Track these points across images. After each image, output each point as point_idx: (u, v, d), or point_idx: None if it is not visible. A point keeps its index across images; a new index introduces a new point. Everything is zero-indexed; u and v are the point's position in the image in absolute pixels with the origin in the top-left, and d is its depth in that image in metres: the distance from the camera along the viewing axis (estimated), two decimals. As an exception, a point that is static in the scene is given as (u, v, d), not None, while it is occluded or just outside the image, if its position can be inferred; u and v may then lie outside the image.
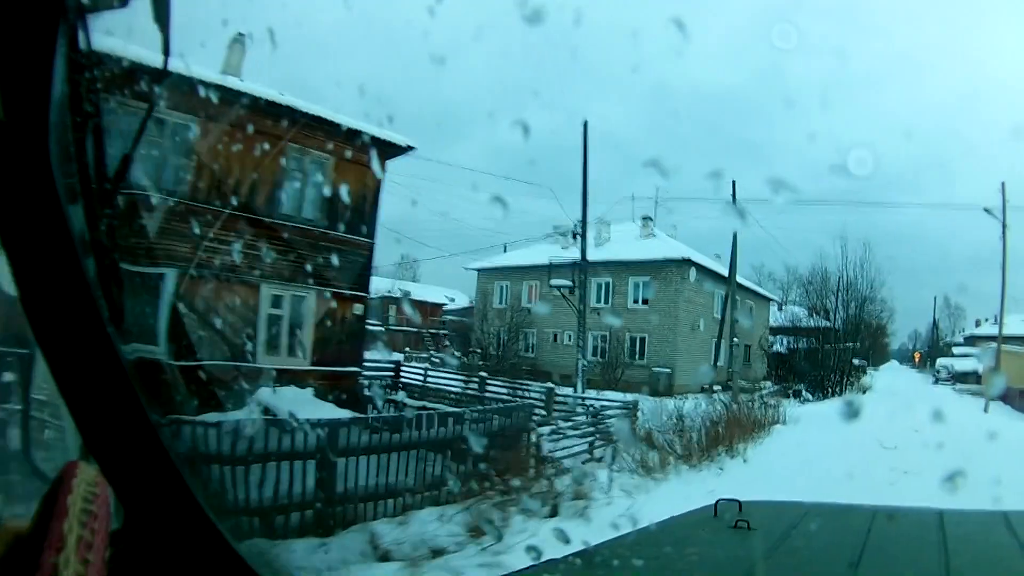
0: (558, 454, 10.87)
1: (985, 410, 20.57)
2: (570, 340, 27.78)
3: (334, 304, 13.65)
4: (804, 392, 26.98)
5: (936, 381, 42.93)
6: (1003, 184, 25.84)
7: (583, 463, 11.55)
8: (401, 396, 13.64)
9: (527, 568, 1.66)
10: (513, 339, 29.39)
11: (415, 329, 39.45)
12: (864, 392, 28.70)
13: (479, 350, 29.84)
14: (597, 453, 12.33)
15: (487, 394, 16.61)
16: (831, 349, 30.36)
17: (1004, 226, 25.35)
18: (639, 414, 14.45)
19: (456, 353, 32.59)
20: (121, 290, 1.02)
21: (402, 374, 18.76)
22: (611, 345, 27.15)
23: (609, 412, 14.57)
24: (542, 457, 9.48)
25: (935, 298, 63.36)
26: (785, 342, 32.20)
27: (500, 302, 31.60)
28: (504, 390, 17.52)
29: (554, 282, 26.38)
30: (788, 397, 25.57)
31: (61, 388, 0.86)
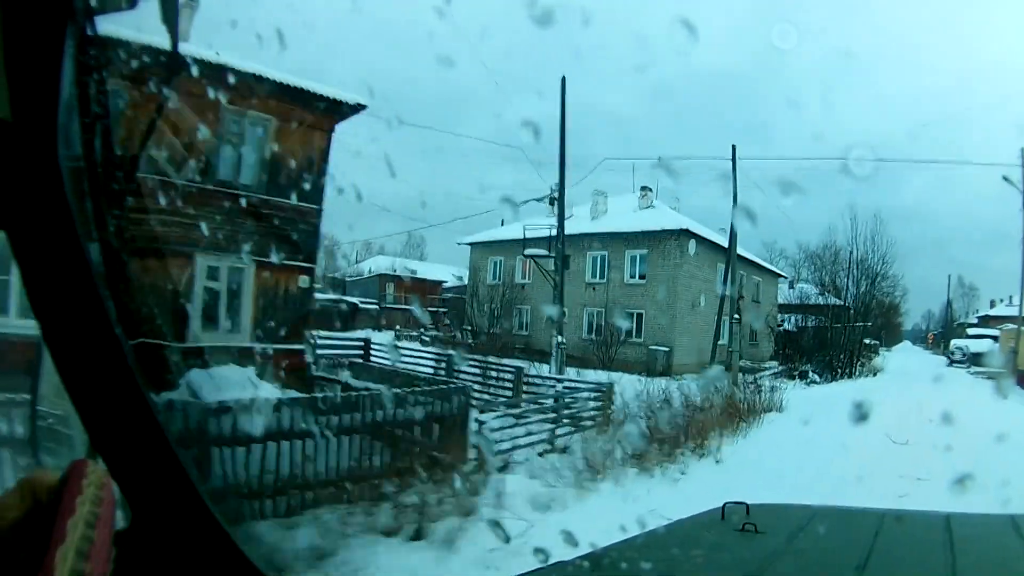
0: (505, 445, 9.65)
1: (1004, 396, 18.91)
2: (566, 316, 26.59)
3: (276, 276, 12.50)
4: (811, 373, 25.49)
5: (950, 363, 40.49)
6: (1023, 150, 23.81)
7: (541, 454, 10.35)
8: (345, 376, 12.45)
9: (533, 571, 1.62)
10: (505, 316, 28.17)
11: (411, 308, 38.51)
12: (875, 374, 27.35)
13: (469, 328, 28.79)
14: (560, 443, 11.11)
15: (458, 374, 15.39)
16: (841, 328, 28.65)
17: (1024, 194, 23.43)
18: (615, 398, 13.09)
19: (452, 331, 31.50)
20: (128, 289, 1.11)
21: (372, 353, 17.56)
22: (605, 322, 25.78)
23: (581, 395, 13.30)
24: (461, 451, 8.15)
25: (949, 276, 61.35)
26: (794, 320, 30.51)
27: (493, 278, 30.34)
28: (477, 370, 16.28)
29: (529, 252, 24.89)
30: (794, 378, 24.19)
31: (68, 386, 0.88)
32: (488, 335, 27.39)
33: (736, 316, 27.97)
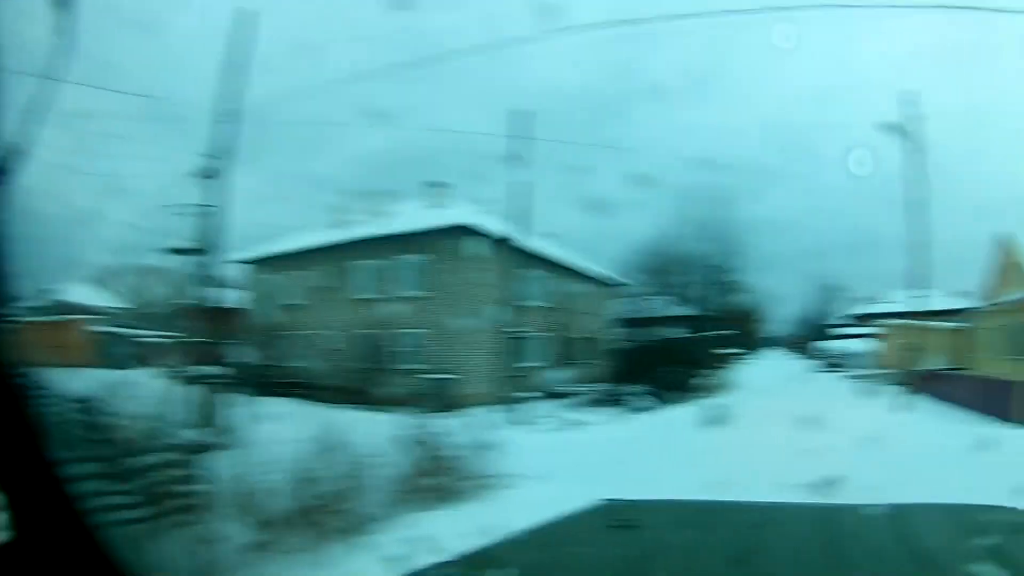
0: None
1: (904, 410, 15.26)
2: (331, 342, 21.59)
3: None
4: (638, 397, 20.25)
5: (820, 368, 37.86)
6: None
7: None
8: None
9: None
10: (271, 344, 22.95)
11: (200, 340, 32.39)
12: (723, 392, 22.62)
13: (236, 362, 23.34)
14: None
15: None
16: (691, 341, 24.68)
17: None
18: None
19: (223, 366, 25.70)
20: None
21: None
22: (373, 346, 20.81)
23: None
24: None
25: (814, 277, 60.50)
26: (631, 334, 26.20)
27: (271, 299, 25.12)
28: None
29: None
30: (615, 404, 19.71)
31: None
32: (254, 369, 22.08)
33: (551, 331, 23.81)
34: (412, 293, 21.35)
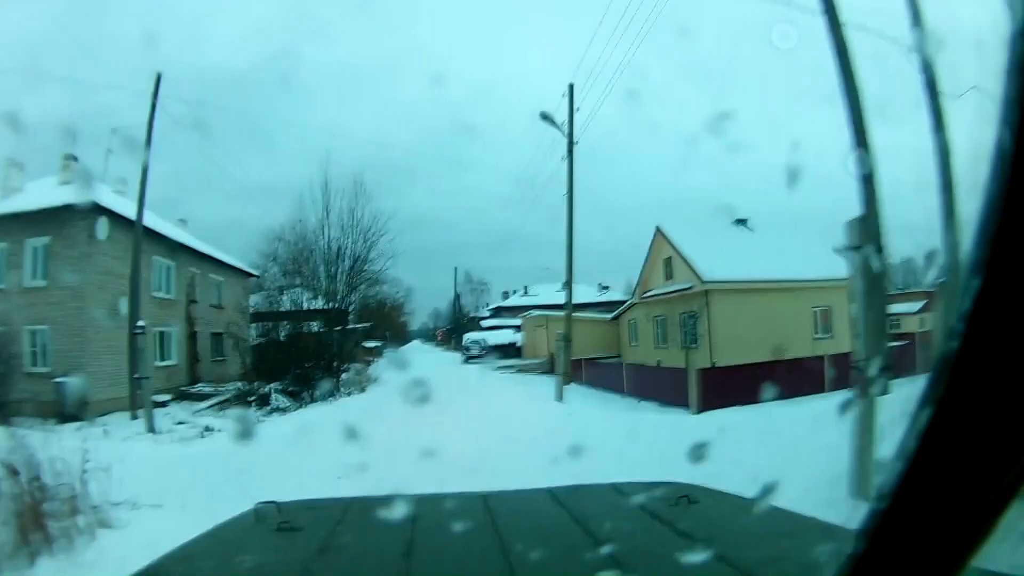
0: None
1: (559, 399, 15.91)
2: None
3: None
4: (277, 396, 19.59)
5: (467, 359, 40.15)
6: (571, 86, 22.20)
7: None
8: None
9: None
10: None
11: None
12: (364, 389, 22.61)
13: None
14: None
15: None
16: (326, 335, 24.72)
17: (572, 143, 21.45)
18: None
19: None
20: None
21: None
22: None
23: None
24: None
25: (455, 269, 65.59)
26: (273, 329, 24.27)
27: None
28: None
29: None
30: (252, 405, 19.24)
31: None
32: None
33: (190, 326, 22.80)
34: (34, 283, 18.79)
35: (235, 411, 16.96)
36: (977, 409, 0.57)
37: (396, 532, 1.76)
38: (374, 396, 19.30)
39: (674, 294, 23.36)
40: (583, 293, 59.08)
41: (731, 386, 14.28)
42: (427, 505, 1.95)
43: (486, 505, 2.05)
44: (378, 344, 38.21)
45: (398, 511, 1.74)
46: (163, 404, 18.53)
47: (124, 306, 18.06)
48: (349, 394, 20.76)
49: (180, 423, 15.61)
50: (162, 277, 21.33)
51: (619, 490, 2.21)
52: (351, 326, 28.13)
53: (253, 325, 25.71)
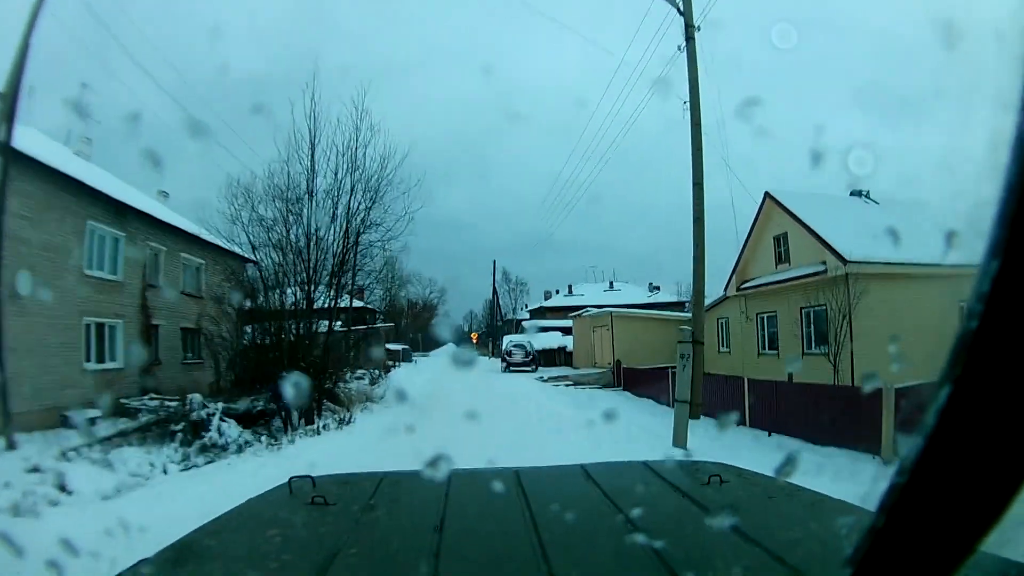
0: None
1: (680, 443, 9.85)
2: None
3: None
4: (218, 423, 12.03)
5: (507, 367, 32.34)
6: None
7: None
8: None
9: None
10: None
11: None
12: (348, 421, 14.61)
13: None
14: None
15: None
16: (337, 337, 18.28)
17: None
18: None
19: None
20: None
21: None
22: None
23: None
24: None
25: (494, 262, 60.46)
26: (259, 327, 16.78)
27: None
28: None
29: None
30: (178, 437, 11.52)
31: None
32: None
33: (145, 319, 17.22)
34: None
35: (132, 451, 10.84)
36: (995, 388, 0.58)
37: (428, 506, 1.78)
38: (355, 439, 12.32)
39: (796, 281, 17.23)
40: (632, 294, 53.51)
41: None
42: (460, 480, 1.94)
43: (518, 480, 2.05)
44: (403, 348, 32.69)
45: (430, 485, 1.69)
46: (90, 423, 13.13)
47: (26, 283, 12.65)
48: (316, 432, 13.31)
49: (33, 470, 9.32)
50: (103, 251, 15.80)
51: (651, 468, 2.23)
52: (368, 326, 22.50)
53: (237, 319, 19.02)
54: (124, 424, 12.44)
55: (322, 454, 10.37)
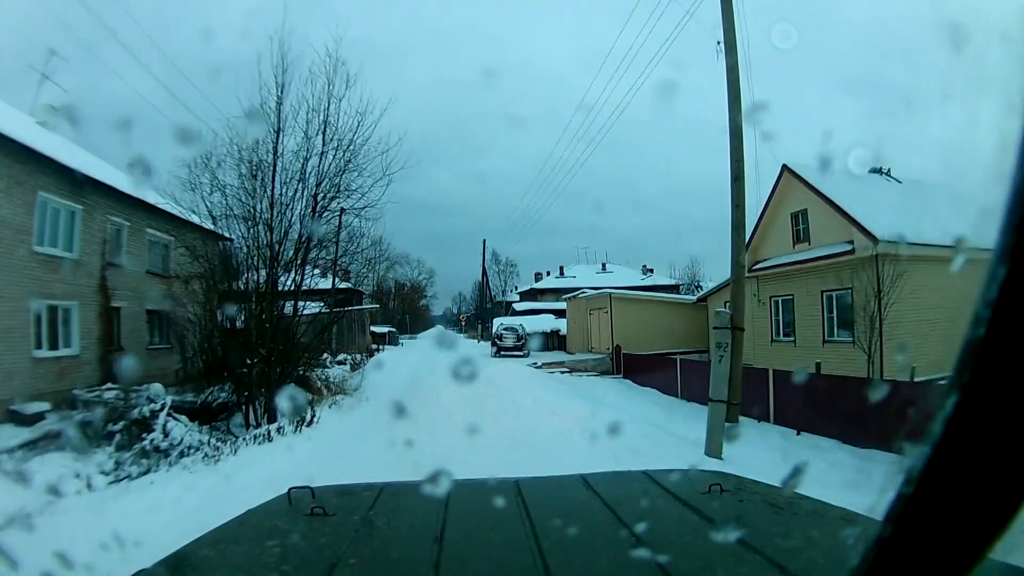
0: None
1: (714, 453, 8.53)
2: None
3: None
4: (164, 420, 10.48)
5: (497, 352, 30.58)
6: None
7: None
8: None
9: None
10: None
11: None
12: (308, 422, 11.98)
13: None
14: None
15: None
16: (315, 320, 16.51)
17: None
18: None
19: None
20: None
21: None
22: None
23: None
24: None
25: (483, 242, 58.25)
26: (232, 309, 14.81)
27: None
28: None
29: None
30: (115, 440, 9.94)
31: None
32: None
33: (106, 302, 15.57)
34: None
35: (58, 458, 9.18)
36: (1002, 396, 0.58)
37: (428, 517, 1.74)
38: (316, 446, 10.29)
39: (818, 262, 15.89)
40: (625, 276, 52.07)
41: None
42: (460, 490, 1.82)
43: (518, 490, 2.01)
44: (389, 330, 31.22)
45: (430, 496, 1.60)
46: (36, 417, 11.69)
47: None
48: (267, 439, 10.85)
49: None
50: (57, 225, 14.19)
51: (651, 477, 2.18)
52: (349, 307, 20.92)
53: (213, 303, 17.23)
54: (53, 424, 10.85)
55: (267, 472, 8.02)
